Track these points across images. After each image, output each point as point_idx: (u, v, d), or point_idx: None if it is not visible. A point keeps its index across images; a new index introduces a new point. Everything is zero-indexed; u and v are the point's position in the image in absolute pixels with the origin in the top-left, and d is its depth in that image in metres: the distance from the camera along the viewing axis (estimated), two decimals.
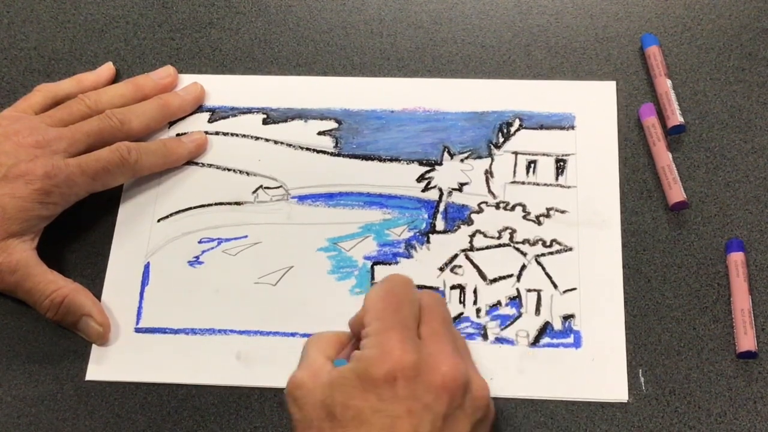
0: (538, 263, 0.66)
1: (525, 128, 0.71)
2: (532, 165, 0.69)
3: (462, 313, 0.65)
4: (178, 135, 0.72)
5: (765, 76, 0.71)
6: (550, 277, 0.65)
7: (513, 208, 0.68)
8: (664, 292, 0.64)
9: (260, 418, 0.63)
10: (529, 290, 0.65)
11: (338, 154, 0.71)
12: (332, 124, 0.72)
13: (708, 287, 0.64)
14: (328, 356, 0.56)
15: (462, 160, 0.70)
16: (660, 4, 0.75)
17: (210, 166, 0.72)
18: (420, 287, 0.65)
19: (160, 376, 0.64)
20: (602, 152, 0.69)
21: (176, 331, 0.65)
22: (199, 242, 0.69)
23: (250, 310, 0.66)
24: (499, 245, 0.67)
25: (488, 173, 0.69)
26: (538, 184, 0.69)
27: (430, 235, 0.67)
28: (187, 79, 0.75)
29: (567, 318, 0.64)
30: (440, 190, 0.69)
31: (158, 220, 0.70)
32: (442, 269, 0.66)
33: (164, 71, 0.74)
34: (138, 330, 0.66)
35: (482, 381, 0.56)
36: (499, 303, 0.65)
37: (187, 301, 0.66)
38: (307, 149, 0.72)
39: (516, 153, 0.70)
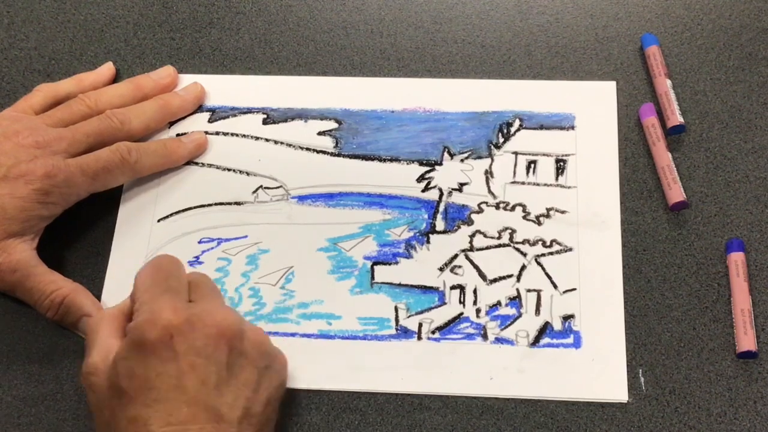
0: (538, 263, 0.66)
1: (525, 128, 0.71)
2: (532, 165, 0.69)
3: (462, 313, 0.65)
4: (178, 135, 0.72)
5: (765, 76, 0.71)
6: (550, 278, 0.65)
7: (513, 209, 0.68)
8: (664, 292, 0.64)
9: None
10: (529, 290, 0.65)
11: (338, 154, 0.71)
12: (332, 124, 0.72)
13: (708, 287, 0.64)
14: (116, 335, 0.57)
15: (462, 160, 0.70)
16: (660, 4, 0.75)
17: (210, 166, 0.72)
18: (420, 287, 0.65)
19: None
20: (602, 152, 0.69)
21: None
22: (199, 242, 0.69)
23: (249, 310, 0.66)
24: (499, 245, 0.67)
25: (488, 173, 0.69)
26: (538, 185, 0.69)
27: (430, 235, 0.67)
28: (187, 79, 0.75)
29: (567, 318, 0.64)
30: (440, 190, 0.69)
31: (158, 220, 0.70)
32: (442, 269, 0.66)
33: (164, 71, 0.74)
34: None
35: (257, 328, 0.58)
36: (499, 303, 0.65)
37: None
38: (307, 149, 0.72)
39: (516, 153, 0.70)
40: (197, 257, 0.68)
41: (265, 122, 0.73)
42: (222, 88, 0.75)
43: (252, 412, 0.55)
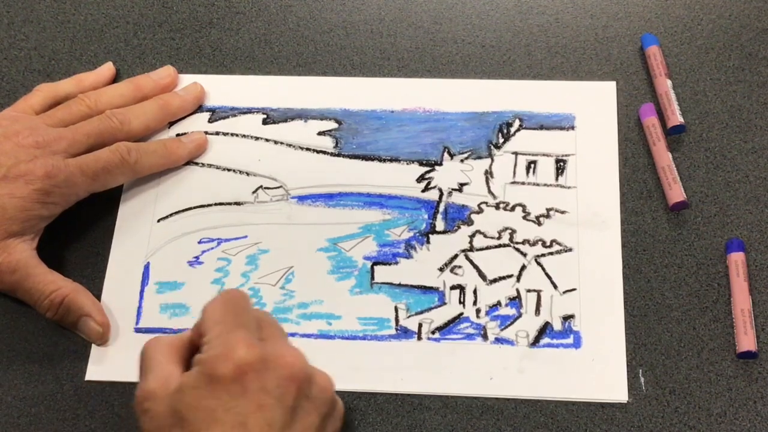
0: (538, 263, 0.66)
1: (525, 128, 0.71)
2: (532, 165, 0.69)
3: (462, 314, 0.65)
4: (178, 135, 0.72)
5: (765, 76, 0.71)
6: (549, 278, 0.65)
7: (513, 209, 0.68)
8: (664, 292, 0.64)
9: None
10: (528, 290, 0.65)
11: (338, 155, 0.71)
12: (332, 124, 0.72)
13: (708, 287, 0.64)
14: (176, 362, 0.55)
15: (462, 161, 0.70)
16: (660, 4, 0.75)
17: (210, 166, 0.72)
18: (420, 287, 0.65)
19: None
20: (602, 152, 0.69)
21: (176, 331, 0.65)
22: (199, 242, 0.69)
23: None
24: (499, 245, 0.67)
25: (488, 173, 0.69)
26: (538, 185, 0.69)
27: (430, 235, 0.67)
28: (187, 79, 0.75)
29: (567, 318, 0.64)
30: (440, 190, 0.69)
31: (158, 220, 0.70)
32: (442, 269, 0.66)
33: (164, 71, 0.74)
34: (138, 330, 0.66)
35: (325, 375, 0.56)
36: (498, 303, 0.65)
37: (187, 301, 0.66)
38: (307, 149, 0.72)
39: (516, 153, 0.70)
40: (197, 257, 0.68)
41: (265, 122, 0.73)
42: (222, 88, 0.75)
43: None
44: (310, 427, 0.54)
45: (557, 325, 0.64)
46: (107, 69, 0.75)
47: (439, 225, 0.68)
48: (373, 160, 0.71)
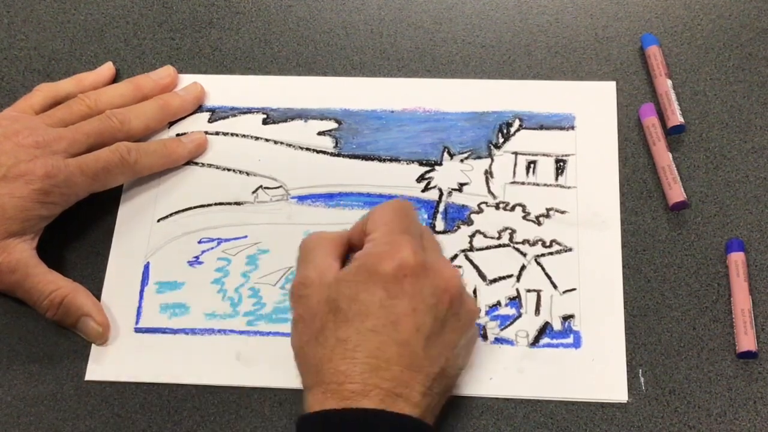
0: (538, 263, 0.66)
1: (525, 128, 0.71)
2: (532, 165, 0.69)
3: None
4: (178, 135, 0.72)
5: (765, 76, 0.71)
6: (549, 278, 0.65)
7: (513, 209, 0.68)
8: (664, 292, 0.64)
9: (260, 418, 0.63)
10: (528, 290, 0.65)
11: (338, 155, 0.71)
12: (332, 124, 0.72)
13: (708, 287, 0.64)
14: (334, 256, 0.58)
15: (462, 161, 0.70)
16: (660, 4, 0.75)
17: (210, 166, 0.72)
18: None
19: (159, 376, 0.64)
20: (602, 152, 0.69)
21: (176, 331, 0.65)
22: (199, 242, 0.69)
23: (249, 310, 0.66)
24: (499, 245, 0.67)
25: (488, 173, 0.69)
26: (538, 185, 0.69)
27: None
28: (187, 79, 0.75)
29: (567, 318, 0.64)
30: (440, 190, 0.69)
31: (158, 220, 0.70)
32: None
33: (164, 71, 0.74)
34: (138, 330, 0.66)
35: (474, 300, 0.59)
36: (498, 303, 0.65)
37: (187, 300, 0.66)
38: (307, 149, 0.72)
39: (516, 153, 0.70)
40: (197, 257, 0.68)
41: (265, 122, 0.73)
42: (222, 88, 0.75)
43: (446, 373, 0.56)
44: (453, 343, 0.56)
45: (557, 325, 0.64)
46: (107, 69, 0.75)
47: (439, 225, 0.68)
48: (373, 160, 0.71)
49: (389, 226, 0.57)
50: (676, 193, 0.66)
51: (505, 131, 0.71)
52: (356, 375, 0.53)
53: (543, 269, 0.66)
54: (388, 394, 0.53)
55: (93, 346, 0.65)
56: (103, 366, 0.65)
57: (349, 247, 0.59)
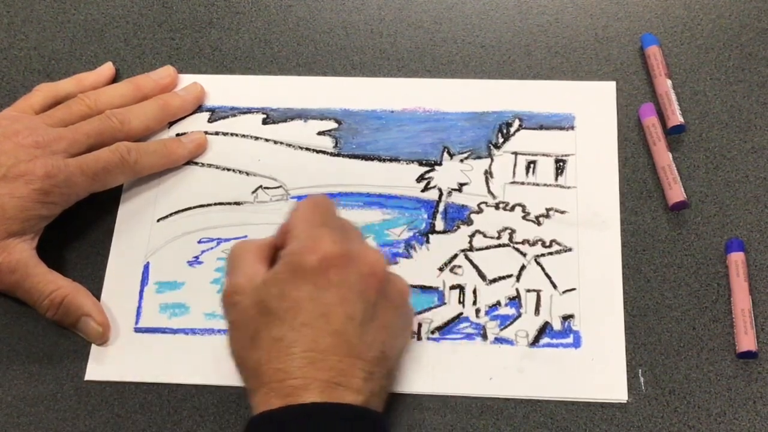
0: (538, 263, 0.66)
1: (525, 128, 0.71)
2: (532, 165, 0.69)
3: (461, 313, 0.64)
4: (178, 135, 0.72)
5: (765, 76, 0.71)
6: (549, 278, 0.65)
7: (513, 209, 0.68)
8: (664, 292, 0.64)
9: None
10: (528, 290, 0.65)
11: (338, 154, 0.71)
12: (332, 124, 0.72)
13: (708, 287, 0.64)
14: (261, 262, 0.58)
15: (462, 161, 0.70)
16: (660, 4, 0.75)
17: (210, 166, 0.72)
18: (419, 287, 0.65)
19: (159, 376, 0.64)
20: (602, 152, 0.69)
21: (176, 331, 0.65)
22: (199, 242, 0.69)
23: None
24: (499, 245, 0.67)
25: (488, 173, 0.69)
26: (537, 185, 0.69)
27: (430, 235, 0.67)
28: (187, 79, 0.75)
29: (566, 318, 0.64)
30: (440, 190, 0.69)
31: (158, 220, 0.70)
32: (441, 269, 0.66)
33: (164, 71, 0.74)
34: (137, 330, 0.66)
35: (402, 278, 0.59)
36: (498, 303, 0.65)
37: (186, 300, 0.66)
38: (307, 149, 0.72)
39: (516, 153, 0.70)
40: (197, 257, 0.68)
41: (264, 122, 0.73)
42: (222, 88, 0.75)
43: (386, 355, 0.56)
44: (388, 326, 0.57)
45: (557, 325, 0.64)
46: (107, 69, 0.75)
47: (439, 225, 0.68)
48: (372, 160, 0.71)
49: (308, 222, 0.58)
50: (676, 193, 0.66)
51: (504, 131, 0.71)
52: (295, 370, 0.53)
53: (543, 269, 0.66)
54: (327, 384, 0.53)
55: (93, 346, 0.65)
56: (103, 366, 0.65)
57: (276, 251, 0.59)
